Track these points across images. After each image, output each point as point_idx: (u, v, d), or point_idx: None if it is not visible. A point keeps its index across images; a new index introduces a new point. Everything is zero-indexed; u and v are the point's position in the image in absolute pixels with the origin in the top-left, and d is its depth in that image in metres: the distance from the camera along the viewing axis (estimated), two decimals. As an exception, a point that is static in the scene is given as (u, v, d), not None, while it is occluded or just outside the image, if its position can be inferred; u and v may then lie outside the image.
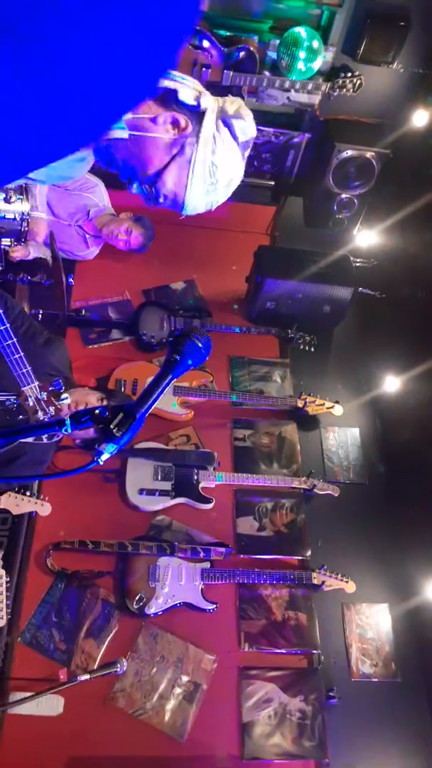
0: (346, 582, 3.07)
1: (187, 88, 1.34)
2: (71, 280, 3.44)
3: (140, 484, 3.22)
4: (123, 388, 3.54)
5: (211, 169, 1.35)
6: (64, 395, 2.06)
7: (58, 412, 2.10)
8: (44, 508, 2.71)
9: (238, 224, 4.35)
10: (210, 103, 1.35)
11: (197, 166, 1.33)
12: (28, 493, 2.71)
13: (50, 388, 2.05)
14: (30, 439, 2.62)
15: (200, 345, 1.23)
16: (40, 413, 2.02)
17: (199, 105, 1.34)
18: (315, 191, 3.98)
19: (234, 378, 3.85)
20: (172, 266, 4.24)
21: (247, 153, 1.41)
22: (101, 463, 1.16)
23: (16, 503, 2.65)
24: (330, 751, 2.78)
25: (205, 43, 3.36)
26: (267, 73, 3.51)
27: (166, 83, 1.33)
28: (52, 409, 2.07)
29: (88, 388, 2.69)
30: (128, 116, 1.31)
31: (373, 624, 3.12)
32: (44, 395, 2.02)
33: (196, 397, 3.60)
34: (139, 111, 1.33)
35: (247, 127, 1.38)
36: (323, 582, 3.06)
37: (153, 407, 1.22)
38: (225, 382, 3.81)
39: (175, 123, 1.33)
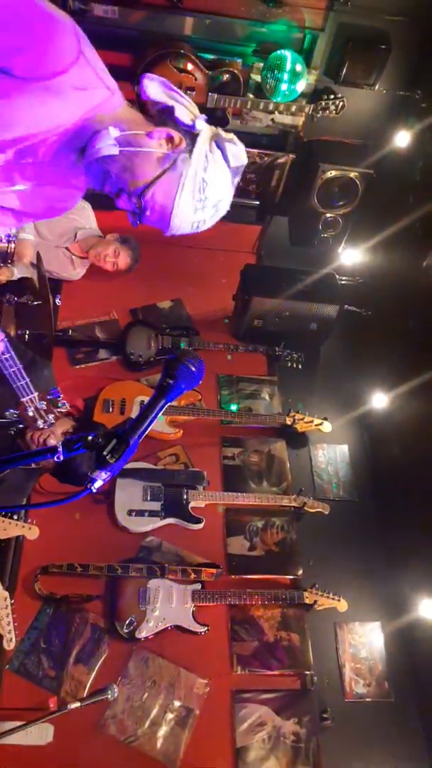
0: (338, 601, 3.05)
1: (184, 107, 1.36)
2: (58, 300, 3.43)
3: (129, 505, 3.19)
4: (111, 408, 3.52)
5: (202, 185, 1.35)
6: (61, 402, 2.06)
7: (57, 419, 2.10)
8: (32, 532, 2.67)
9: (224, 243, 4.38)
10: (204, 126, 1.36)
11: (187, 180, 1.34)
12: (15, 517, 2.66)
13: (48, 397, 2.05)
14: None
15: (193, 369, 1.22)
16: (39, 422, 2.02)
17: (194, 125, 1.35)
18: (300, 211, 4.02)
19: (222, 396, 3.84)
20: (159, 285, 4.25)
21: (236, 180, 1.42)
22: (94, 490, 1.14)
23: (3, 527, 2.61)
24: (325, 773, 2.74)
25: (190, 66, 3.41)
26: (251, 96, 3.55)
27: (165, 99, 1.35)
28: (51, 416, 2.07)
29: (70, 417, 2.68)
30: (117, 132, 1.32)
31: (366, 643, 3.10)
32: (44, 404, 2.02)
33: (184, 416, 3.59)
34: (129, 128, 1.34)
35: (239, 153, 1.39)
36: (315, 601, 3.04)
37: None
38: (213, 401, 3.80)
39: (169, 138, 1.34)
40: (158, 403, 1.20)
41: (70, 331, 3.79)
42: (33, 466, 2.51)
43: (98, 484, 1.15)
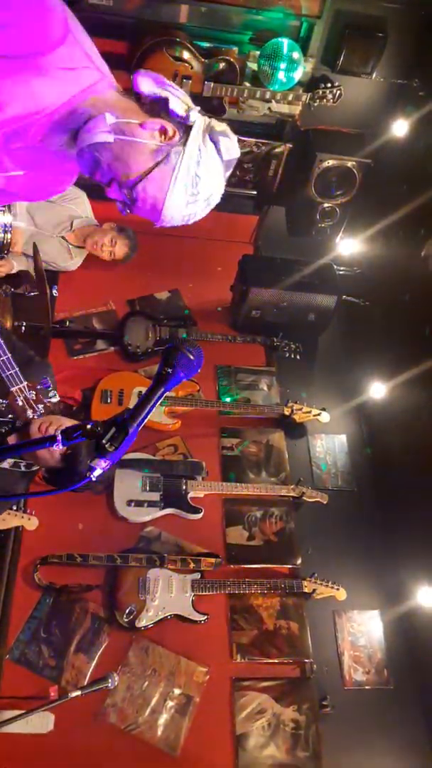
0: (337, 589, 3.06)
1: (178, 99, 1.34)
2: (55, 291, 3.42)
3: (128, 496, 3.20)
4: (109, 399, 3.52)
5: (194, 179, 1.34)
6: (52, 392, 2.05)
7: (48, 410, 2.08)
8: (31, 522, 2.67)
9: (221, 234, 4.36)
10: (198, 117, 1.35)
11: (180, 175, 1.33)
12: (14, 508, 2.67)
13: (38, 387, 2.04)
14: (6, 464, 2.56)
15: (192, 357, 1.22)
16: (29, 412, 2.00)
17: (188, 117, 1.34)
18: (297, 200, 4.01)
19: (221, 387, 3.84)
20: (157, 276, 4.24)
21: (228, 173, 1.42)
22: (94, 479, 1.14)
23: (2, 518, 2.61)
24: (325, 760, 2.76)
25: (186, 55, 3.38)
26: (247, 84, 3.53)
27: (158, 91, 1.33)
28: (41, 406, 2.06)
29: (73, 410, 2.67)
30: (113, 119, 1.30)
31: (364, 631, 3.11)
32: (33, 394, 2.00)
33: (182, 407, 3.59)
34: (124, 116, 1.33)
35: (232, 147, 1.38)
36: (314, 590, 3.05)
37: None
38: (212, 391, 3.80)
39: (162, 130, 1.33)
40: (157, 392, 1.20)
41: (68, 322, 3.78)
42: (23, 469, 2.49)
43: (98, 472, 1.14)
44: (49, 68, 1.24)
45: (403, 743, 2.87)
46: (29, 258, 3.60)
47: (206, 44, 3.46)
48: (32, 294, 3.18)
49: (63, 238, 3.81)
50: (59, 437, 1.13)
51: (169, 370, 1.19)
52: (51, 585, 2.93)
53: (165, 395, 3.64)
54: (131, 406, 3.62)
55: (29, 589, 2.94)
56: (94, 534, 3.14)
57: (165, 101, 1.32)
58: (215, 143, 1.35)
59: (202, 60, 3.40)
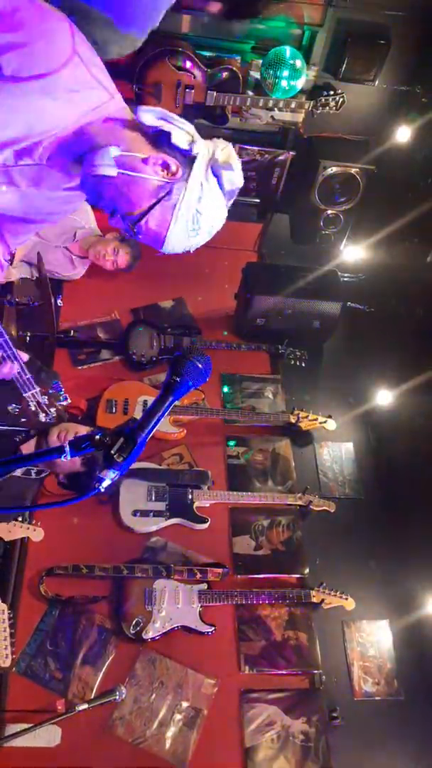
0: (346, 599, 3.03)
1: (181, 131, 1.34)
2: (60, 301, 3.41)
3: (134, 506, 3.18)
4: (114, 408, 3.51)
5: (195, 216, 1.36)
6: (63, 396, 2.06)
7: (59, 414, 2.10)
8: (37, 534, 2.65)
9: (224, 242, 4.31)
10: (202, 148, 1.35)
11: (182, 212, 1.34)
12: (20, 519, 2.65)
13: (50, 391, 2.05)
14: (18, 473, 2.57)
15: (200, 366, 1.21)
16: (42, 416, 2.01)
17: (191, 150, 1.34)
18: (301, 208, 4.01)
19: (226, 395, 3.83)
20: (160, 285, 4.23)
21: (231, 202, 1.43)
22: (102, 489, 1.13)
23: (8, 529, 2.59)
24: (335, 773, 2.73)
25: (188, 64, 3.39)
26: (250, 93, 3.54)
27: (160, 124, 1.33)
28: (53, 410, 2.07)
29: (78, 420, 2.67)
30: (118, 153, 1.31)
31: (374, 641, 3.08)
32: (45, 398, 2.01)
33: (187, 416, 3.57)
34: (128, 149, 1.33)
35: (235, 178, 1.39)
36: (322, 600, 3.02)
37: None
38: (217, 400, 3.79)
39: (165, 166, 1.33)
40: (165, 401, 1.19)
41: (72, 332, 3.78)
42: (34, 476, 2.49)
43: (106, 483, 1.13)
44: (55, 89, 1.25)
45: (414, 754, 2.82)
46: (31, 266, 3.61)
47: (209, 53, 3.47)
48: (36, 304, 3.18)
49: (66, 248, 3.81)
50: (67, 448, 1.12)
51: (178, 379, 1.19)
52: (57, 597, 2.91)
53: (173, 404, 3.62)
54: (136, 415, 3.63)
55: (35, 601, 2.92)
56: (99, 545, 3.12)
57: (168, 135, 1.32)
58: (218, 177, 1.36)
59: (205, 69, 3.41)
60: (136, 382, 3.70)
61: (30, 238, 3.52)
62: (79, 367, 3.76)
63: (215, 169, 1.35)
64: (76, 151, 1.36)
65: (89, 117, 1.33)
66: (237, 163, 1.38)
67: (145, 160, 1.33)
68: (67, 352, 3.78)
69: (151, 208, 1.33)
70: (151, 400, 3.60)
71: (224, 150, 1.38)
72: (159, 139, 1.35)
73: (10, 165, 1.36)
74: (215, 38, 3.48)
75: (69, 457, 1.12)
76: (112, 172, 1.30)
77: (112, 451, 1.12)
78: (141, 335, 3.84)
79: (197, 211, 1.34)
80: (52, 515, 3.01)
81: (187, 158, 1.34)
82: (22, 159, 1.36)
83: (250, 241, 4.52)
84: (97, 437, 1.12)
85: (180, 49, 3.36)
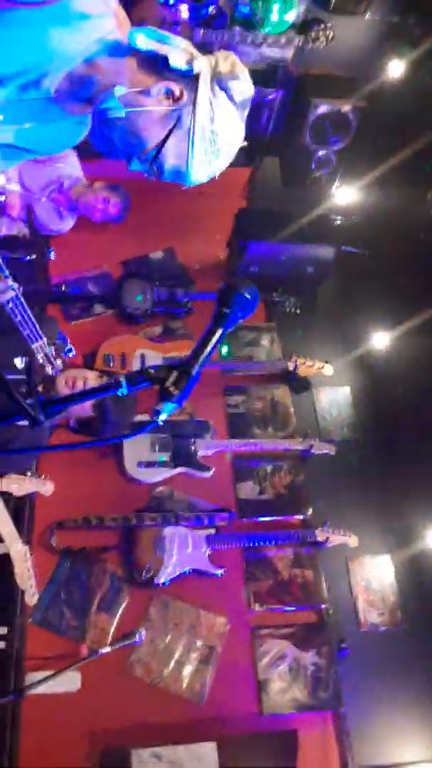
0: (349, 537, 3.12)
1: (178, 51, 1.28)
2: (52, 254, 3.34)
3: (139, 457, 3.21)
4: (111, 363, 3.49)
5: (211, 137, 1.30)
6: (68, 346, 2.04)
7: (65, 365, 2.09)
8: (47, 487, 2.67)
9: (213, 187, 4.19)
10: (203, 65, 1.28)
11: (197, 136, 1.29)
12: (29, 474, 2.66)
13: (57, 342, 2.03)
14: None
15: (248, 296, 1.20)
16: (48, 368, 2.00)
17: (191, 69, 1.27)
18: (291, 149, 3.92)
19: (221, 345, 3.82)
20: (150, 235, 4.15)
21: (246, 113, 1.37)
22: (161, 423, 1.14)
23: (18, 484, 2.60)
24: (345, 699, 2.86)
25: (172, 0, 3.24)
26: (237, 29, 3.40)
27: (156, 47, 1.27)
28: (59, 362, 2.06)
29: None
30: (121, 91, 1.26)
31: (377, 575, 3.19)
32: (52, 349, 2.00)
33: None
34: (131, 83, 1.28)
35: (244, 87, 1.32)
36: (327, 538, 3.11)
37: None
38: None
39: (169, 93, 1.28)
40: (216, 333, 1.19)
41: (63, 287, 3.71)
42: (46, 423, 2.48)
43: (163, 416, 1.14)
44: (66, 15, 1.19)
45: (419, 679, 2.97)
46: (17, 221, 3.51)
47: (194, -13, 3.31)
48: (27, 258, 3.11)
49: (53, 199, 3.70)
50: (124, 382, 1.12)
51: (227, 311, 1.18)
52: (68, 549, 2.96)
53: (168, 356, 3.61)
54: (134, 368, 3.61)
55: (47, 553, 2.97)
56: (105, 496, 3.17)
57: (165, 59, 1.26)
58: (225, 90, 1.30)
59: (191, 4, 3.25)
60: (132, 335, 3.68)
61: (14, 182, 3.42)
62: (72, 322, 3.72)
63: (221, 83, 1.29)
64: (84, 92, 1.31)
65: (96, 47, 1.27)
66: (243, 72, 1.31)
67: (147, 92, 1.28)
68: (59, 307, 3.73)
69: (164, 140, 1.29)
70: (148, 353, 3.59)
71: (227, 60, 1.31)
72: (156, 65, 1.29)
73: (12, 100, 1.30)
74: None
75: (126, 392, 1.12)
76: (120, 113, 1.26)
77: (167, 384, 1.12)
78: (134, 288, 3.79)
79: (212, 131, 1.28)
80: (57, 470, 3.02)
81: (190, 78, 1.28)
82: (26, 92, 1.30)
83: (239, 186, 4.42)
84: (152, 371, 1.12)
85: (163, -18, 3.20)
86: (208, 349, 1.16)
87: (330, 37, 3.38)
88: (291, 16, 3.25)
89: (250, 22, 3.33)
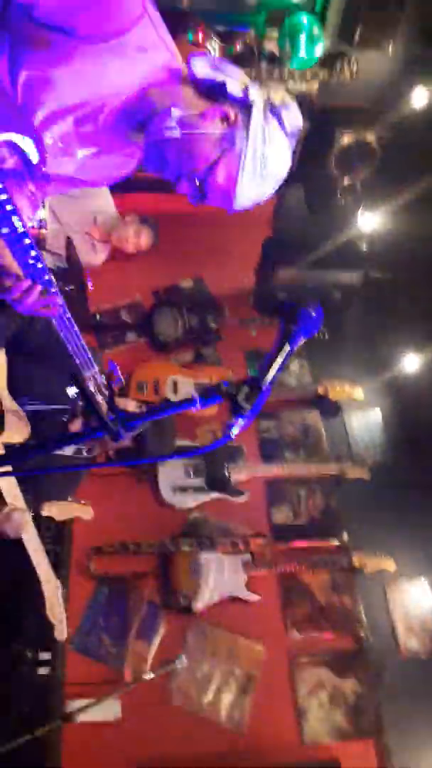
0: (386, 561, 3.10)
1: (234, 80, 1.34)
2: (90, 285, 3.43)
3: (173, 483, 3.23)
4: (144, 390, 3.55)
5: (262, 161, 1.34)
6: (117, 377, 2.07)
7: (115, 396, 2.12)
8: (87, 512, 2.69)
9: (239, 216, 4.33)
10: (257, 94, 1.35)
11: (248, 161, 1.32)
12: (69, 498, 2.69)
13: (108, 371, 2.06)
14: (68, 452, 2.59)
15: (314, 314, 1.24)
16: (99, 397, 2.03)
17: (246, 97, 1.33)
18: (317, 178, 3.99)
19: (252, 371, 3.86)
20: (179, 265, 4.23)
21: (294, 142, 1.41)
22: (233, 437, 1.18)
23: (59, 509, 2.63)
24: (386, 727, 2.81)
25: (201, 39, 3.36)
26: (264, 65, 3.51)
27: (213, 75, 1.33)
28: (108, 391, 2.09)
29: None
30: (178, 113, 1.31)
31: (416, 600, 3.15)
32: (104, 378, 2.02)
33: (218, 392, 3.60)
34: (187, 107, 1.34)
35: (295, 117, 1.37)
36: (363, 563, 3.09)
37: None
38: (243, 376, 3.81)
39: (224, 117, 1.33)
40: (283, 350, 1.22)
41: (98, 316, 3.80)
42: (85, 454, 2.52)
43: (236, 430, 1.18)
44: (125, 49, 1.24)
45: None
46: (53, 255, 3.61)
47: (222, 27, 3.44)
48: (71, 289, 3.19)
49: (87, 233, 3.81)
50: (197, 399, 1.17)
51: (294, 327, 1.21)
52: (106, 574, 2.98)
53: (199, 382, 3.64)
54: (167, 394, 3.63)
55: (84, 579, 2.99)
56: (140, 522, 3.19)
57: (222, 86, 1.33)
58: (277, 117, 1.34)
59: (219, 44, 3.38)
60: (163, 362, 3.74)
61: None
62: (106, 351, 3.79)
63: (274, 111, 1.33)
64: (138, 117, 1.35)
65: (152, 78, 1.33)
66: (293, 104, 1.36)
67: (203, 115, 1.32)
68: (92, 337, 3.81)
69: (216, 162, 1.32)
70: (179, 379, 3.64)
71: (278, 92, 1.38)
72: (213, 90, 1.33)
73: (70, 131, 1.36)
74: (227, 13, 3.45)
75: (200, 408, 1.16)
76: (176, 134, 1.30)
77: (239, 399, 1.16)
78: (165, 316, 3.86)
79: (263, 155, 1.32)
80: (94, 496, 3.05)
81: (244, 106, 1.33)
82: (83, 126, 1.36)
83: (265, 214, 4.50)
84: (224, 387, 1.16)
85: (193, 24, 3.33)
86: (278, 365, 1.20)
87: (354, 70, 3.47)
88: (318, 51, 3.35)
89: (277, 58, 3.44)
